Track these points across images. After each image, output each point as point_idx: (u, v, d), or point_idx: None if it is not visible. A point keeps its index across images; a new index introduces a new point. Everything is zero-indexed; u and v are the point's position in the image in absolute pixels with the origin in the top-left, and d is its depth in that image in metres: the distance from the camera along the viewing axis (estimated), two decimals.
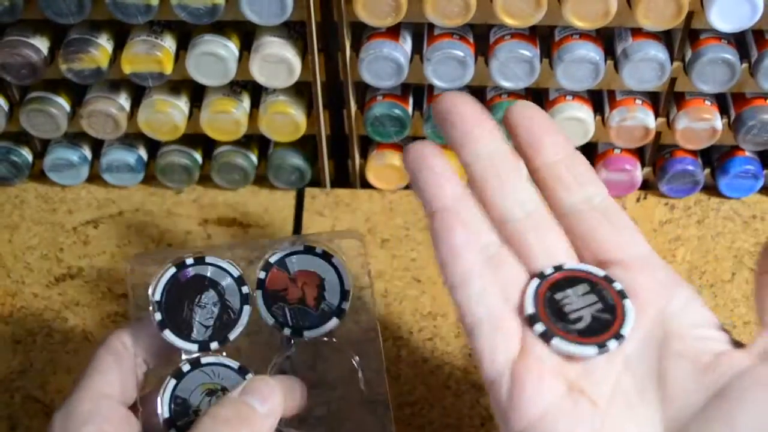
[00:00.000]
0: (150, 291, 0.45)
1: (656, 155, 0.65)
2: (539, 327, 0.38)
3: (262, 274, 0.46)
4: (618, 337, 0.37)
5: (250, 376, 0.45)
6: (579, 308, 0.39)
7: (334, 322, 0.46)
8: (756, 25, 0.55)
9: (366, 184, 0.67)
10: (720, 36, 0.57)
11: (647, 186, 0.67)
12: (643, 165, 0.65)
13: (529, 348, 0.38)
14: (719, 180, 0.64)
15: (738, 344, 0.37)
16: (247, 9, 0.56)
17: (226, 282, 0.45)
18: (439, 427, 0.55)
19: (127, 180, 0.67)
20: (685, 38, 0.58)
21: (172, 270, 0.45)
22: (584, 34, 0.58)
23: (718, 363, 0.36)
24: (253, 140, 0.67)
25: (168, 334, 0.44)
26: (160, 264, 0.45)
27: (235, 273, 0.45)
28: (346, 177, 0.68)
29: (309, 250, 0.46)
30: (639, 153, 0.65)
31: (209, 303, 0.45)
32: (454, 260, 0.39)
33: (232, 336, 0.45)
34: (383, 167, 0.65)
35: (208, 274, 0.45)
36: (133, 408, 0.44)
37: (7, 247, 0.64)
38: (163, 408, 0.44)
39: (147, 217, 0.66)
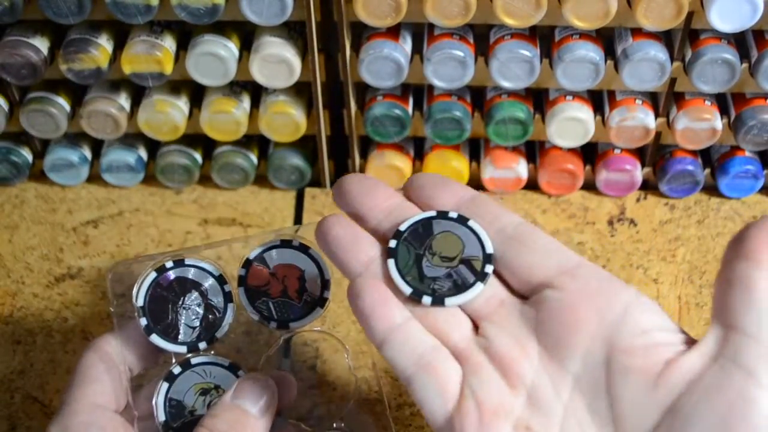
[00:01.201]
0: (133, 297, 0.45)
1: (656, 155, 0.65)
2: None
3: (242, 272, 0.46)
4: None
5: (241, 372, 0.45)
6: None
7: (318, 311, 0.46)
8: (756, 25, 0.55)
9: None
10: (720, 36, 0.57)
11: (647, 186, 0.67)
12: (643, 165, 0.65)
13: (466, 391, 0.38)
14: (719, 180, 0.64)
15: (691, 341, 0.36)
16: (247, 9, 0.56)
17: (208, 282, 0.46)
18: None
19: (127, 180, 0.67)
20: (685, 38, 0.58)
21: (153, 274, 0.45)
22: (584, 34, 0.58)
23: (668, 373, 0.34)
24: (253, 140, 0.67)
25: (155, 339, 0.44)
26: (139, 270, 0.45)
27: (216, 272, 0.46)
28: None
29: (286, 243, 0.47)
30: (639, 153, 0.65)
31: (193, 304, 0.45)
32: (375, 317, 0.39)
33: (219, 335, 0.45)
34: (383, 167, 0.65)
35: (189, 276, 0.45)
36: (122, 413, 0.44)
37: (7, 248, 0.64)
38: (158, 412, 0.44)
39: (147, 217, 0.66)
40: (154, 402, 0.44)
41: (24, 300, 0.61)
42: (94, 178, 0.68)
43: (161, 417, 0.44)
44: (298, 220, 0.66)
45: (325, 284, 0.47)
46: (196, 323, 0.45)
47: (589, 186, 0.66)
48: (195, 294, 0.45)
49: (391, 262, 0.40)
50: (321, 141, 0.65)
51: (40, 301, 0.61)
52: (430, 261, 0.41)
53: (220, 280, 0.46)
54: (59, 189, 0.68)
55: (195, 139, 0.66)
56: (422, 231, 0.41)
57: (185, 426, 0.44)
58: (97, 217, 0.66)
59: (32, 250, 0.64)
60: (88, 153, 0.67)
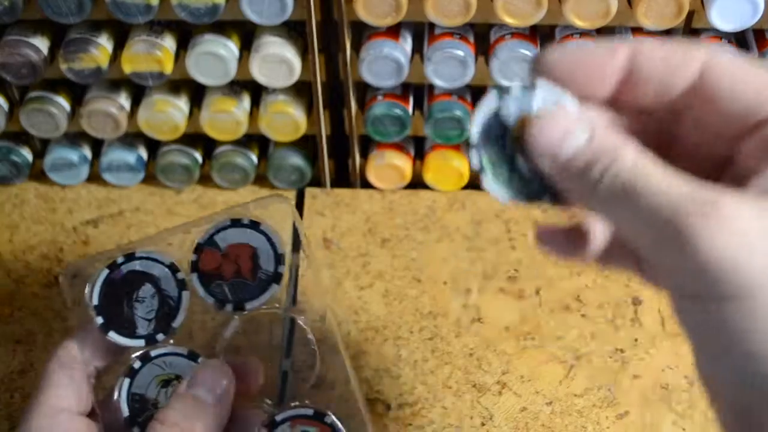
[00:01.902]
0: (86, 296, 0.45)
1: None
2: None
3: (193, 257, 0.46)
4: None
5: (201, 360, 0.45)
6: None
7: (274, 288, 0.46)
8: (757, 24, 0.55)
9: (366, 184, 0.67)
10: (721, 35, 0.57)
11: None
12: None
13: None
14: None
15: None
16: (248, 9, 0.56)
17: (160, 273, 0.45)
18: (439, 428, 0.55)
19: (127, 179, 0.67)
20: (686, 38, 0.58)
21: (105, 272, 0.45)
22: (585, 34, 0.58)
23: None
24: (254, 140, 0.67)
25: (113, 335, 0.44)
26: (92, 269, 0.45)
27: (167, 261, 0.45)
28: (347, 177, 0.68)
29: (235, 222, 0.46)
30: None
31: (147, 296, 0.45)
32: None
33: (176, 324, 0.45)
34: (383, 167, 0.65)
35: (141, 269, 0.45)
36: (93, 415, 0.44)
37: (7, 247, 0.64)
38: (122, 408, 0.44)
39: (147, 217, 0.66)
40: (115, 398, 0.44)
41: (24, 300, 0.61)
42: (94, 177, 0.67)
43: (125, 413, 0.44)
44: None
45: (279, 259, 0.46)
46: (152, 315, 0.45)
47: None
48: (148, 286, 0.45)
49: None
50: (321, 141, 0.64)
51: (40, 300, 0.61)
52: None
53: (172, 268, 0.45)
54: (59, 188, 0.68)
55: (195, 138, 0.66)
56: None
57: (149, 420, 0.44)
58: (97, 216, 0.66)
59: (32, 250, 0.64)
60: (88, 152, 0.67)
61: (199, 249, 0.46)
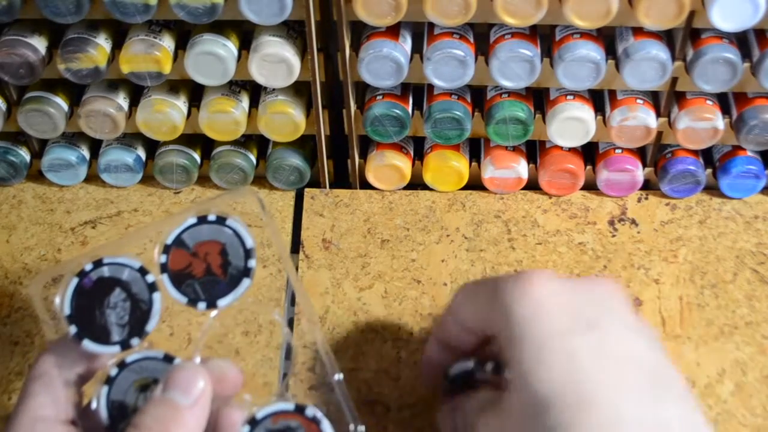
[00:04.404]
0: (57, 307, 0.44)
1: (657, 155, 0.65)
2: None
3: (163, 258, 0.45)
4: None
5: (178, 360, 0.45)
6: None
7: (245, 283, 0.45)
8: (758, 24, 0.54)
9: (365, 185, 0.67)
10: (721, 35, 0.57)
11: (648, 186, 0.66)
12: (644, 165, 0.65)
13: None
14: (721, 180, 0.64)
15: None
16: (246, 8, 0.55)
17: (130, 277, 0.45)
18: (439, 429, 0.54)
19: (125, 180, 0.67)
20: (687, 37, 0.58)
21: (75, 280, 0.45)
22: (585, 34, 0.58)
23: None
24: (252, 140, 0.67)
25: (87, 344, 0.44)
26: (60, 278, 0.45)
27: (136, 265, 0.45)
28: (346, 177, 0.68)
29: (202, 220, 0.46)
30: (640, 153, 0.65)
31: (119, 301, 0.45)
32: None
33: (150, 328, 0.45)
34: (383, 167, 0.65)
35: (111, 274, 0.45)
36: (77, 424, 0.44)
37: (4, 248, 0.64)
38: (101, 416, 0.44)
39: (145, 218, 0.66)
40: (95, 407, 0.44)
41: (22, 301, 0.61)
42: (93, 178, 0.67)
43: (105, 421, 0.44)
44: (297, 220, 0.66)
45: (249, 253, 0.46)
46: (125, 320, 0.44)
47: (590, 186, 0.66)
48: (118, 291, 0.45)
49: None
50: (320, 141, 0.64)
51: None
52: None
53: (142, 271, 0.45)
54: (57, 189, 0.67)
55: (194, 138, 0.65)
56: None
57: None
58: (95, 217, 0.66)
59: (30, 251, 0.64)
60: (86, 153, 0.67)
61: (167, 249, 0.46)
